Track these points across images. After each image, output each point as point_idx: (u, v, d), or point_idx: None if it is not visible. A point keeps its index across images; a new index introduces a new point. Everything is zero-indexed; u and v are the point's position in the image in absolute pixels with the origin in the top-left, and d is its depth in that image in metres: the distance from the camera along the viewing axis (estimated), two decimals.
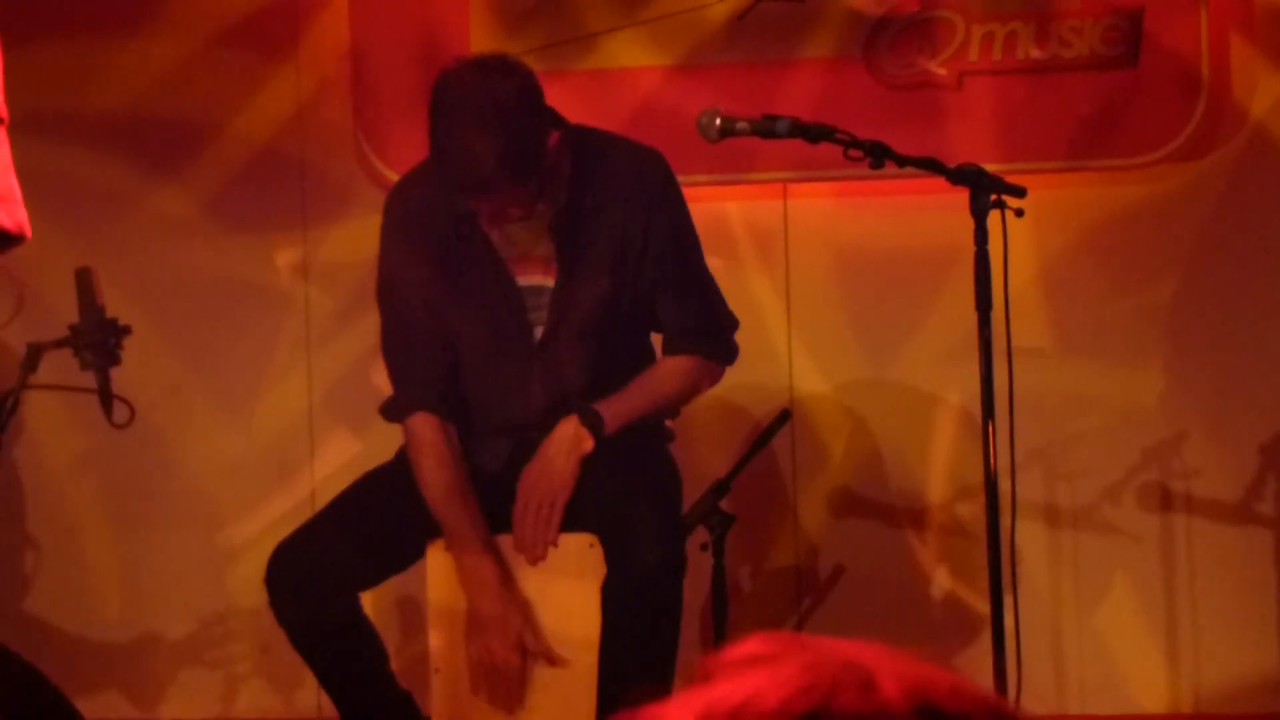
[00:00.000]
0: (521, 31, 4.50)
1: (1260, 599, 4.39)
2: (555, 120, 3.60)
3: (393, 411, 3.72)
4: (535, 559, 3.58)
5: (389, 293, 3.73)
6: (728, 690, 0.99)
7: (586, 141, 3.68)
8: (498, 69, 3.56)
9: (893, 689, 0.98)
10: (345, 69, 4.60)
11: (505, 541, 3.61)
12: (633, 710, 1.10)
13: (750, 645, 1.02)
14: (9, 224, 2.50)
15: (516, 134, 3.42)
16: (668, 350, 3.71)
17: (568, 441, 3.63)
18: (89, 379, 3.50)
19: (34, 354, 3.58)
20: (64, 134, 4.62)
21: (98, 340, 3.51)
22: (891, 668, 1.00)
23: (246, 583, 4.14)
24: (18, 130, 4.19)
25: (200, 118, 4.66)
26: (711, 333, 3.72)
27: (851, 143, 3.47)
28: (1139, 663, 4.44)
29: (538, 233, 3.60)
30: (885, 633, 4.32)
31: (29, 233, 2.52)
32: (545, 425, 3.64)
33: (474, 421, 3.66)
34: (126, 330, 3.52)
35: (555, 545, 3.59)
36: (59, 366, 3.58)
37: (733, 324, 3.77)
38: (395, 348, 3.72)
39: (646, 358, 3.75)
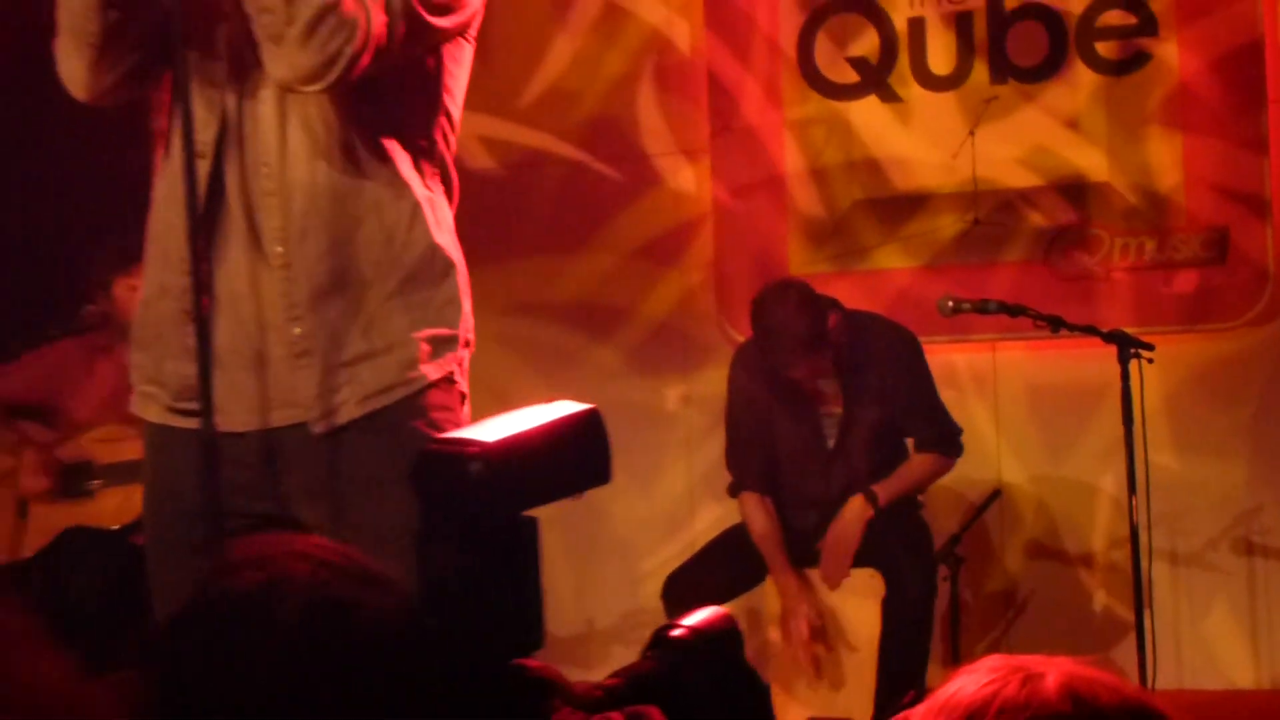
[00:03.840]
0: (823, 245, 4.86)
1: None
2: (833, 306, 4.13)
3: (731, 490, 4.26)
4: (834, 586, 4.08)
5: (731, 416, 4.26)
6: (942, 689, 1.13)
7: (857, 318, 4.20)
8: (788, 286, 4.06)
9: (1051, 684, 1.09)
10: (712, 273, 5.04)
11: (814, 574, 4.16)
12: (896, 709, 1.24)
13: (973, 664, 1.15)
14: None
15: (810, 319, 3.96)
16: (917, 450, 4.24)
17: (855, 513, 4.09)
18: None
19: None
20: (535, 316, 5.13)
21: None
22: (1057, 669, 1.11)
23: (651, 597, 4.48)
24: (513, 314, 4.81)
25: (624, 304, 5.10)
26: (944, 437, 4.21)
27: (1037, 316, 3.94)
28: (1230, 650, 4.70)
29: (828, 379, 4.18)
30: (1061, 634, 4.72)
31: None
32: (839, 500, 4.15)
33: (791, 498, 4.23)
34: None
35: (848, 576, 4.09)
36: None
37: (957, 431, 4.21)
38: (734, 450, 4.25)
39: (901, 453, 4.27)
